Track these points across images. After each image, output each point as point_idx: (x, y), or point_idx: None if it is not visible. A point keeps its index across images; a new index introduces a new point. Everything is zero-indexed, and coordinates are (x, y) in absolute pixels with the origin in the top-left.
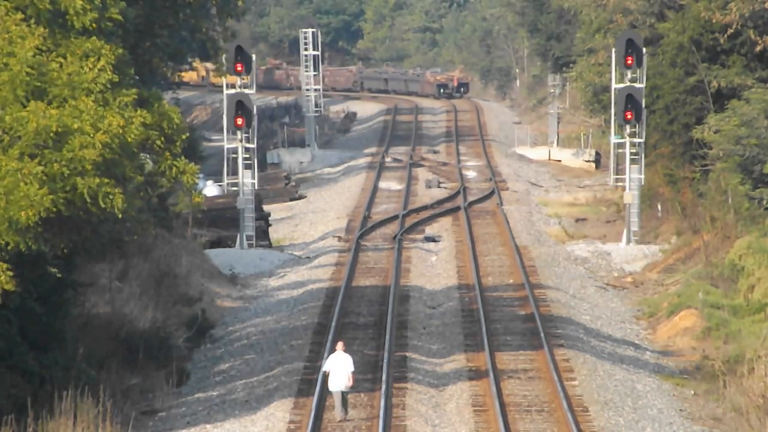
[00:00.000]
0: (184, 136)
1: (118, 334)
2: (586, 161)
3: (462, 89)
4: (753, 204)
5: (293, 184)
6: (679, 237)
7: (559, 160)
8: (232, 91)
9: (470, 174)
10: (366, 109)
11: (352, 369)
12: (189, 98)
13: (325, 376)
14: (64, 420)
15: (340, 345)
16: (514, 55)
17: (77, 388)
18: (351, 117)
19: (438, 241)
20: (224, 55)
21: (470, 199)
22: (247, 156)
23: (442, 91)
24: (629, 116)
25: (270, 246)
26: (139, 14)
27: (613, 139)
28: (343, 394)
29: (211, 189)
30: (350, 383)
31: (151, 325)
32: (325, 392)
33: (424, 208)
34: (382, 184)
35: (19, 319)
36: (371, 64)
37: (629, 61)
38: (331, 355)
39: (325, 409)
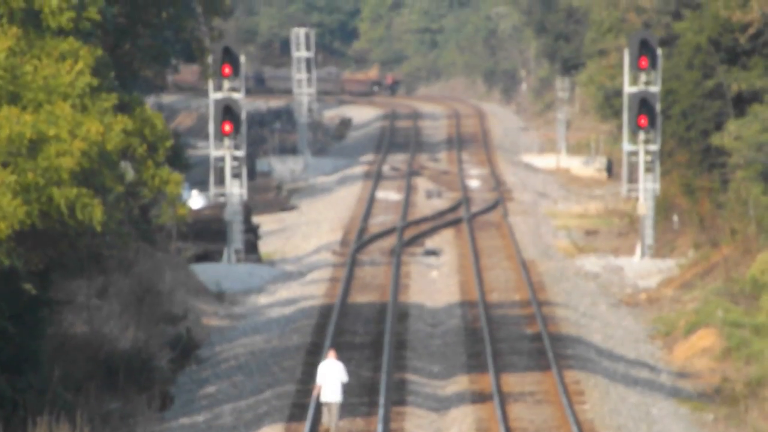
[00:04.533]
0: (167, 144)
1: (96, 356)
2: (597, 170)
3: (395, 86)
4: None
5: (285, 194)
6: (696, 251)
7: (568, 169)
8: (219, 95)
9: (473, 183)
10: (362, 114)
11: (346, 379)
12: (173, 103)
13: (319, 388)
14: None
15: (331, 353)
16: (520, 57)
17: (52, 414)
18: (346, 123)
19: (439, 255)
20: (210, 57)
21: (473, 210)
22: (236, 164)
23: (376, 88)
24: (643, 122)
25: (259, 260)
26: (120, 13)
27: (626, 147)
28: (335, 405)
29: (196, 200)
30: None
31: (132, 346)
32: (319, 417)
33: (425, 219)
34: (380, 194)
35: None
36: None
37: (643, 63)
38: (323, 363)
39: None
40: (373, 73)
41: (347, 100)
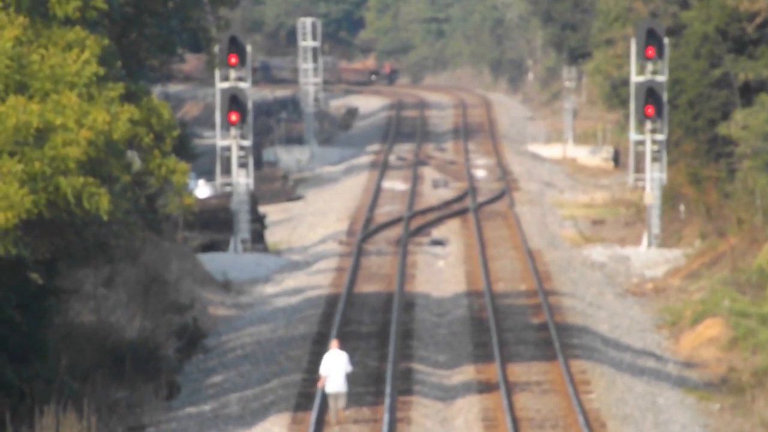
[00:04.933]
0: (174, 133)
1: (103, 345)
2: (604, 159)
3: (393, 76)
4: None
5: (291, 184)
6: (703, 240)
7: (575, 158)
8: (226, 84)
9: (480, 173)
10: (369, 103)
11: (350, 368)
12: (180, 92)
13: (324, 379)
14: None
15: (334, 343)
16: (527, 46)
17: (59, 403)
18: (352, 113)
19: (445, 245)
20: (217, 46)
21: (480, 199)
22: (242, 154)
23: (374, 77)
24: (650, 111)
25: (266, 250)
26: (126, 2)
27: (633, 136)
28: (342, 396)
29: (203, 189)
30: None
31: (139, 335)
32: (324, 406)
33: (431, 209)
34: (386, 184)
35: None
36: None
37: (650, 53)
38: (326, 355)
39: (324, 425)
40: (370, 62)
41: (346, 89)
